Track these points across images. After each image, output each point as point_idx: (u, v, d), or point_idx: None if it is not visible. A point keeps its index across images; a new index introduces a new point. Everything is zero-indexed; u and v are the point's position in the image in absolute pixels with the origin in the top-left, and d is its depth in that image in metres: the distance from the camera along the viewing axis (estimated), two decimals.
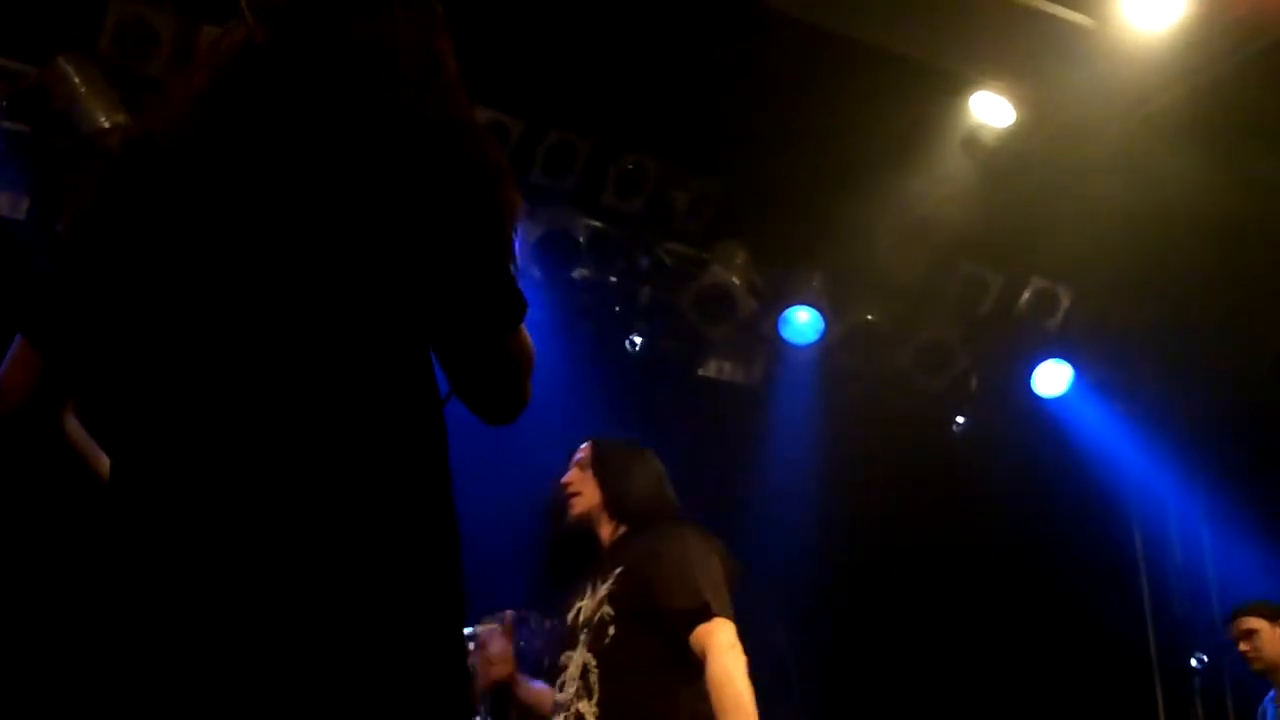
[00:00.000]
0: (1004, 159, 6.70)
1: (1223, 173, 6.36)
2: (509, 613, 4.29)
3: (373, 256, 2.06)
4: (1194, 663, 8.81)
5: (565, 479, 4.17)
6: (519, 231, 2.13)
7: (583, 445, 4.23)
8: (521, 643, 5.84)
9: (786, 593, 7.32)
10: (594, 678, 3.76)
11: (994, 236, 7.47)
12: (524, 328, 2.25)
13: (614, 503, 4.06)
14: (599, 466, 4.14)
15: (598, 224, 7.05)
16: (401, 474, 2.02)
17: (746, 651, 3.78)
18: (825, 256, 7.58)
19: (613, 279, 7.37)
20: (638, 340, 7.49)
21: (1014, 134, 6.61)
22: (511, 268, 2.17)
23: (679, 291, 7.35)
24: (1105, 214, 6.85)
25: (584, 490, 4.10)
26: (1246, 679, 8.43)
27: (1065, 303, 8.03)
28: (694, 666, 3.71)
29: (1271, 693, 7.13)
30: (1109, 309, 8.05)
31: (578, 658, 3.83)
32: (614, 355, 7.50)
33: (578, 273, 7.08)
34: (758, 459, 7.61)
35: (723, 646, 3.67)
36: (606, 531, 4.05)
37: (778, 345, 7.66)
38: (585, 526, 4.09)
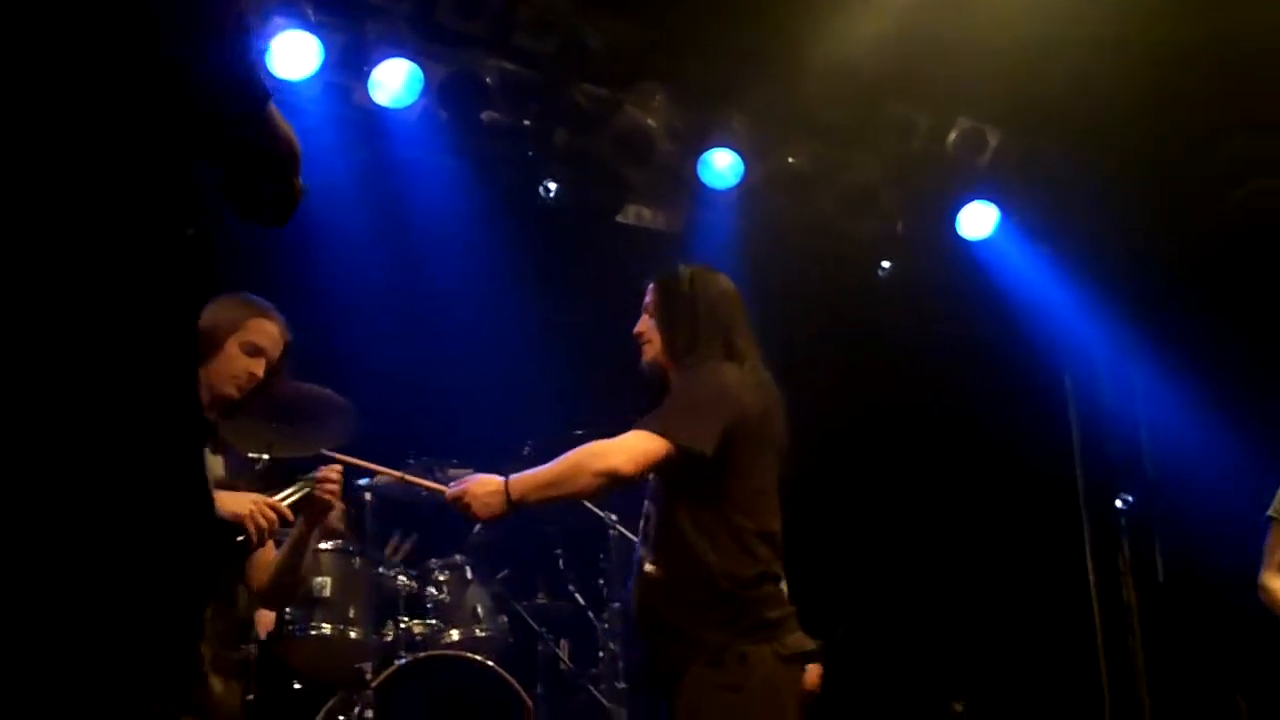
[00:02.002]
0: None
1: None
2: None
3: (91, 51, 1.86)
4: (1119, 503, 8.80)
5: (637, 327, 4.13)
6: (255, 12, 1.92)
7: (649, 286, 4.18)
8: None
9: None
10: (651, 524, 3.88)
11: (920, 76, 7.23)
12: (280, 118, 2.10)
13: (672, 349, 4.01)
14: (659, 312, 4.09)
15: (509, 66, 6.75)
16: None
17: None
18: (746, 98, 7.34)
19: (526, 123, 7.09)
20: (553, 187, 7.25)
21: None
22: (246, 52, 2.00)
23: (595, 135, 7.09)
24: (1032, 48, 6.62)
25: (651, 338, 4.07)
26: (1175, 519, 8.47)
27: (993, 142, 7.84)
28: (703, 500, 3.78)
29: None
30: (1037, 149, 7.86)
31: (647, 508, 3.94)
32: (529, 203, 7.25)
33: (487, 116, 6.79)
34: None
35: (614, 443, 3.70)
36: (671, 376, 4.00)
37: (697, 190, 7.42)
38: (658, 373, 4.04)
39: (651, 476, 3.85)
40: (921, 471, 8.38)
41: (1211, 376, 8.00)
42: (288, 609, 5.83)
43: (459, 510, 3.70)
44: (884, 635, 7.93)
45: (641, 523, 3.96)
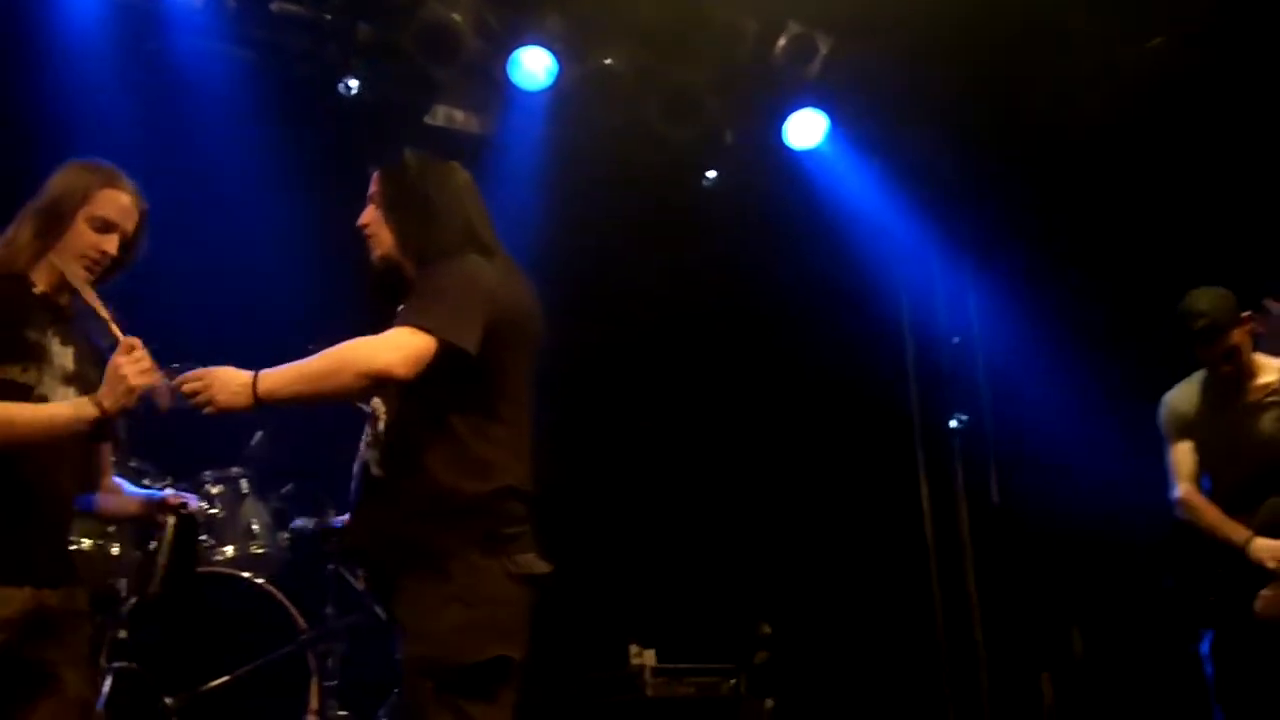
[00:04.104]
0: None
1: None
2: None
3: None
4: (953, 423, 8.65)
5: (361, 218, 3.75)
6: None
7: (374, 175, 3.77)
8: None
9: None
10: (382, 424, 3.56)
11: None
12: None
13: (404, 243, 3.65)
14: (388, 206, 3.70)
15: None
16: None
17: None
18: None
19: (326, 16, 6.71)
20: (354, 84, 6.85)
21: None
22: None
23: (399, 30, 6.72)
24: None
25: (378, 232, 3.70)
26: (1008, 441, 8.33)
27: (823, 49, 7.54)
28: (451, 404, 3.47)
29: None
30: (869, 56, 7.57)
31: (376, 400, 3.62)
32: (328, 102, 6.86)
33: (277, 6, 6.39)
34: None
35: (379, 342, 3.33)
36: (410, 272, 3.63)
37: (508, 91, 7.07)
38: (391, 269, 3.68)
39: None
40: (749, 389, 8.16)
41: (1049, 297, 7.84)
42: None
43: (194, 394, 3.29)
44: (707, 554, 7.72)
45: (371, 425, 3.62)
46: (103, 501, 3.90)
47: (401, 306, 3.47)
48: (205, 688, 5.23)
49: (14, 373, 3.41)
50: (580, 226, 7.39)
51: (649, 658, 6.80)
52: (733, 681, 6.74)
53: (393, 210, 3.68)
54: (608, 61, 7.19)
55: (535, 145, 7.24)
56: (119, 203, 3.65)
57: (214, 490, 5.83)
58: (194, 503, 3.94)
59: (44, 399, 3.46)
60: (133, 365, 3.32)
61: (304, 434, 5.39)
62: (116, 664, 5.09)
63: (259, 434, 5.97)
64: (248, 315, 6.24)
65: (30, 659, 3.37)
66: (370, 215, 3.73)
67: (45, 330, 3.53)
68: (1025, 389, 8.12)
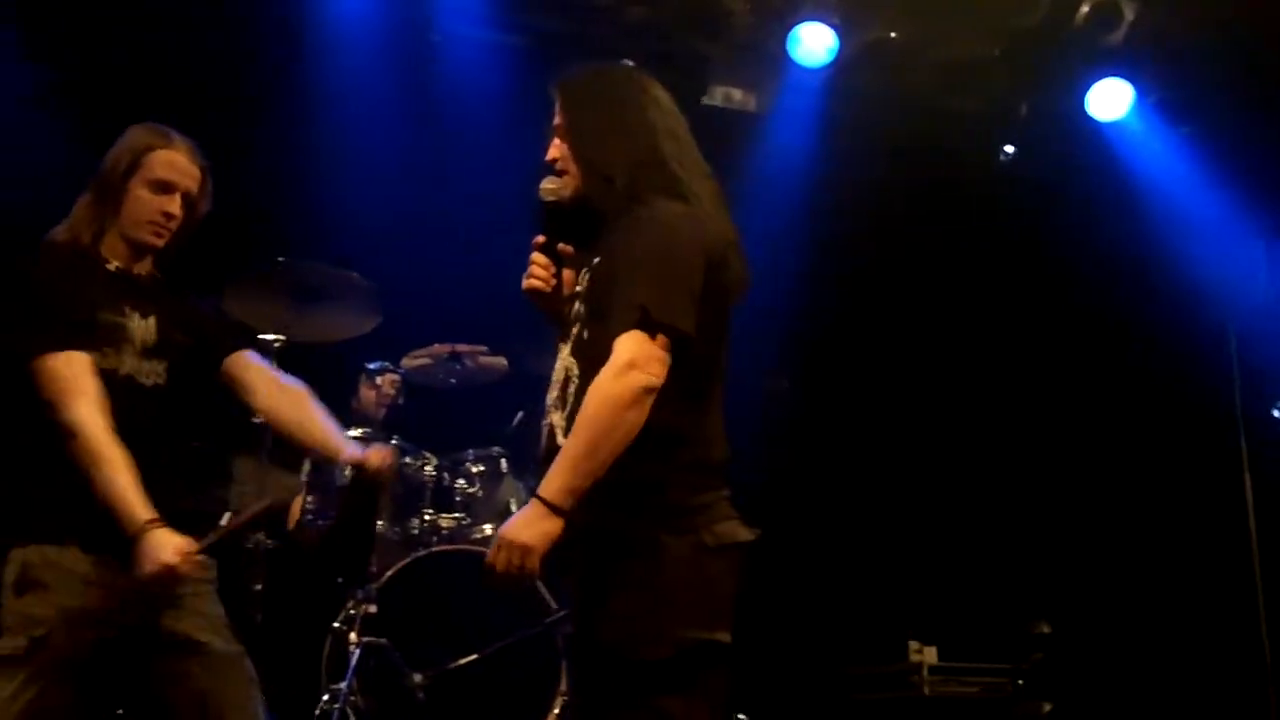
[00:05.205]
0: None
1: None
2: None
3: None
4: (1276, 413, 8.02)
5: (550, 152, 3.36)
6: None
7: (557, 97, 3.38)
8: None
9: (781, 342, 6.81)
10: (572, 388, 3.19)
11: None
12: None
13: (595, 178, 3.25)
14: (573, 134, 3.31)
15: None
16: None
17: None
18: None
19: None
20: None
21: None
22: None
23: (671, 10, 6.67)
24: None
25: (568, 167, 3.31)
26: None
27: (1129, 15, 7.10)
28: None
29: None
30: (1175, 19, 7.08)
31: (564, 357, 3.28)
32: None
33: None
34: (763, 195, 7.00)
35: (616, 364, 3.00)
36: (606, 208, 3.27)
37: (784, 66, 6.90)
38: (583, 207, 3.31)
39: (576, 325, 3.25)
40: (1045, 376, 7.76)
41: None
42: (309, 497, 5.65)
43: (508, 571, 2.93)
44: (990, 550, 7.40)
45: (559, 387, 3.26)
46: (278, 410, 3.80)
47: (596, 260, 3.23)
48: (453, 665, 5.30)
49: (94, 360, 3.43)
50: (863, 205, 7.21)
51: (929, 655, 6.57)
52: (1020, 682, 6.45)
53: (577, 142, 3.30)
54: (891, 35, 6.94)
55: (813, 121, 7.07)
56: (174, 162, 3.62)
57: (474, 469, 5.90)
58: (381, 458, 3.67)
59: (130, 378, 3.50)
60: (177, 556, 3.29)
61: None
62: (366, 639, 5.20)
63: (520, 414, 6.02)
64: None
65: (162, 628, 3.42)
66: (558, 148, 3.34)
67: (121, 306, 3.54)
68: None
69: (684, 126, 3.36)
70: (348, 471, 3.73)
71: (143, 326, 3.57)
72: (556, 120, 3.35)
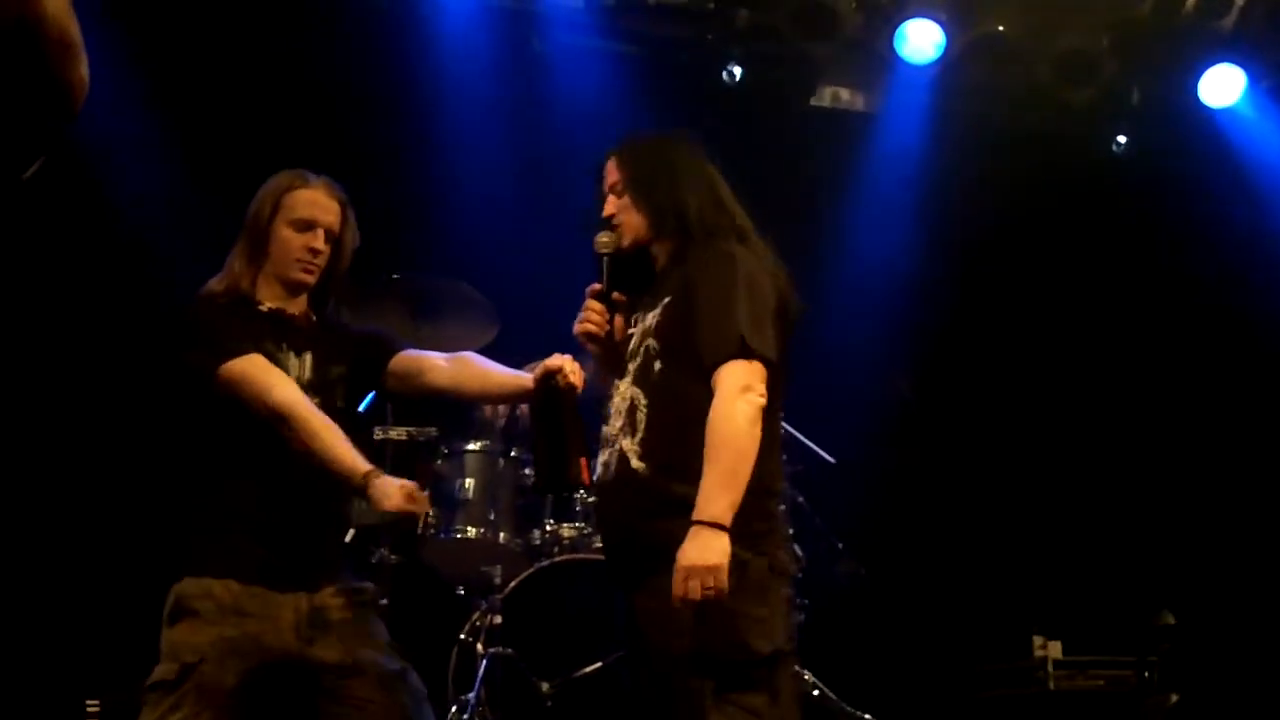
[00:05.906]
0: None
1: None
2: None
3: None
4: None
5: (605, 210, 3.65)
6: None
7: (608, 164, 3.68)
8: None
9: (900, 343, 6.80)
10: (640, 415, 3.39)
11: None
12: None
13: (658, 223, 3.54)
14: (632, 186, 3.59)
15: None
16: None
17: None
18: None
19: (708, 4, 6.75)
20: (737, 71, 6.85)
21: None
22: None
23: (779, 11, 6.67)
24: None
25: (626, 218, 3.58)
26: None
27: (1239, 1, 7.01)
28: (705, 404, 3.29)
29: None
30: None
31: (624, 389, 3.48)
32: (712, 90, 6.87)
33: None
34: (875, 195, 6.99)
35: (731, 388, 3.23)
36: (662, 253, 3.57)
37: (892, 64, 6.90)
38: (643, 253, 3.59)
39: (640, 359, 3.45)
40: (1162, 368, 7.66)
41: None
42: (429, 511, 5.70)
43: (701, 596, 3.08)
44: (1112, 541, 7.32)
45: (624, 415, 3.43)
46: (460, 379, 3.85)
47: (667, 299, 3.42)
48: (579, 673, 5.32)
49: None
50: (976, 201, 7.17)
51: (1054, 650, 6.52)
52: (1146, 674, 6.37)
53: (641, 190, 3.56)
54: (999, 29, 6.90)
55: (923, 119, 7.06)
56: (313, 199, 3.71)
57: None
58: (563, 359, 3.63)
59: None
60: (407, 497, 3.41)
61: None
62: (492, 649, 5.24)
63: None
64: None
65: (311, 659, 3.51)
66: (615, 204, 3.60)
67: (279, 344, 3.63)
68: None
69: (723, 180, 3.60)
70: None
71: (298, 364, 3.67)
72: (611, 180, 3.63)
